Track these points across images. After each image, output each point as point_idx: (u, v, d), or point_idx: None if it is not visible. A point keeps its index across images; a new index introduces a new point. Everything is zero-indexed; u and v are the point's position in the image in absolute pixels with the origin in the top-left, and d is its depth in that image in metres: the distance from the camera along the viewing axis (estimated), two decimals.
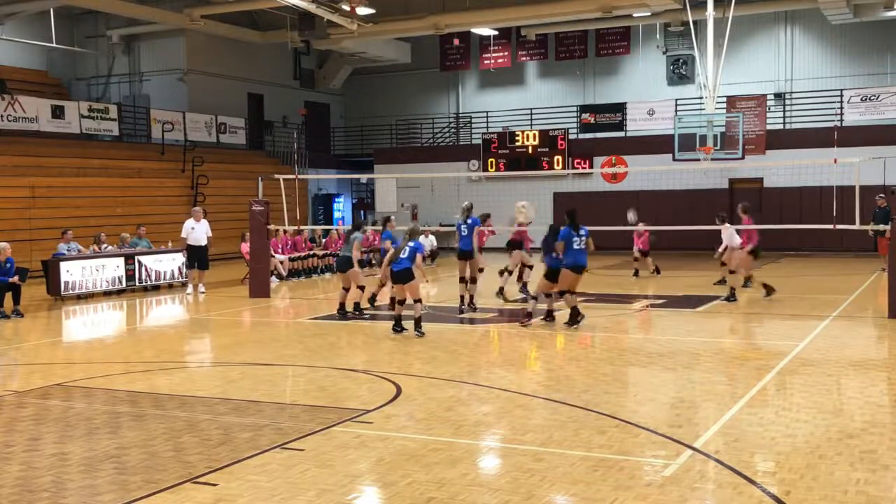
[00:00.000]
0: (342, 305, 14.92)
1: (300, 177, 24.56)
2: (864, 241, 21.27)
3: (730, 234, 16.94)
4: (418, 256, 12.67)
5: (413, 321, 12.66)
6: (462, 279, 15.31)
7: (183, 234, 19.27)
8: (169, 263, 20.36)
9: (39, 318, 16.14)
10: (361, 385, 9.64)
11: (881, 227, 16.91)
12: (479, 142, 32.42)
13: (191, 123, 30.25)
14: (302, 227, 23.10)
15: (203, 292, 19.04)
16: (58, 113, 26.26)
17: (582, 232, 13.15)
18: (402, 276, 12.68)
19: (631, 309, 15.63)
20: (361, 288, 15.12)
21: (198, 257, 19.18)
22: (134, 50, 32.35)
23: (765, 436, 7.38)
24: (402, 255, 12.64)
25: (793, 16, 30.66)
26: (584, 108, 32.05)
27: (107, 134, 28.16)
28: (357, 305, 15.04)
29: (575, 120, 32.06)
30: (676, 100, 30.16)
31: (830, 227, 16.45)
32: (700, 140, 22.03)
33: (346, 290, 15.03)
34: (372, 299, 15.95)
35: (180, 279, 20.30)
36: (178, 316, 17.02)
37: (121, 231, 21.59)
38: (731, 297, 15.87)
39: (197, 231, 19.12)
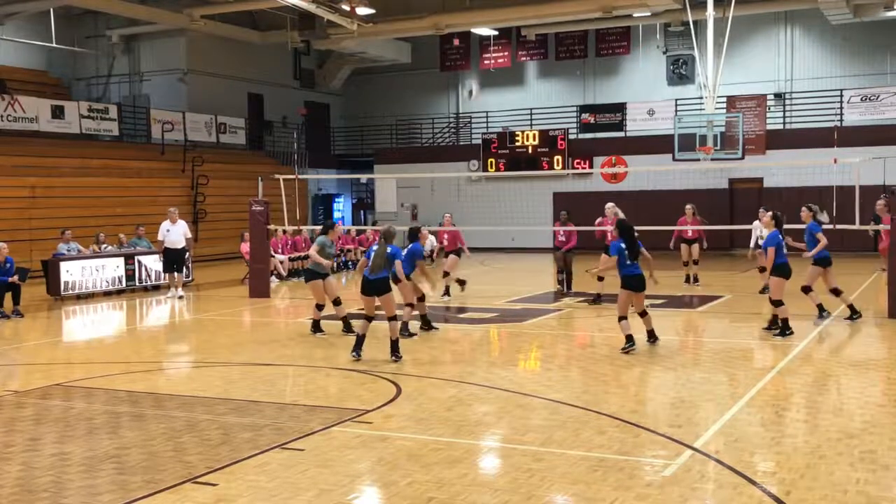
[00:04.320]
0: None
1: (300, 177, 24.56)
2: (865, 241, 21.23)
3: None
4: (397, 264, 10.86)
5: (390, 342, 10.87)
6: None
7: (159, 237, 18.56)
8: None
9: (39, 318, 16.14)
10: (361, 385, 9.64)
11: (880, 227, 16.90)
12: (479, 142, 32.42)
13: (191, 123, 30.24)
14: (301, 228, 23.10)
15: (181, 297, 18.38)
16: (58, 113, 26.25)
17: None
18: (377, 286, 10.70)
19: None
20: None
21: (174, 260, 18.46)
22: (134, 50, 32.35)
23: (765, 436, 7.38)
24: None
25: (793, 16, 30.64)
26: (584, 108, 32.03)
27: (107, 134, 28.16)
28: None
29: (575, 120, 32.04)
30: (676, 100, 30.15)
31: (830, 226, 16.44)
32: (700, 140, 22.01)
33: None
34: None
35: None
36: (178, 316, 17.01)
37: (121, 231, 21.61)
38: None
39: (172, 233, 18.35)
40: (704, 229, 18.91)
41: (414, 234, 13.17)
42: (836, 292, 13.50)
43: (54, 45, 28.61)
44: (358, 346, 10.91)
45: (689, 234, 18.51)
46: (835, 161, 16.66)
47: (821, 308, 13.49)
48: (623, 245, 11.17)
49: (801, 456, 6.78)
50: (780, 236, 12.14)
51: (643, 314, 11.47)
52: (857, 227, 15.45)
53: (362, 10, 27.08)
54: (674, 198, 27.84)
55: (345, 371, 10.32)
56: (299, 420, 8.06)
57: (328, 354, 11.50)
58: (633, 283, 11.22)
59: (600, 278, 15.82)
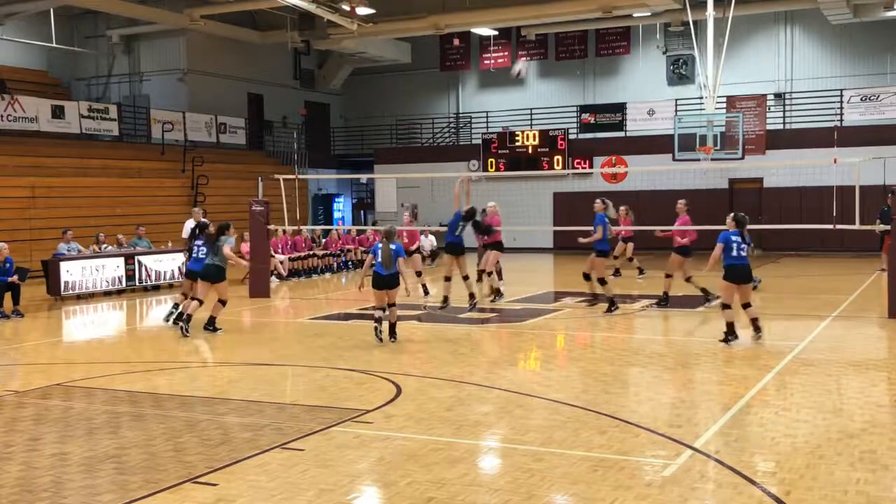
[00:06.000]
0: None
1: (300, 177, 24.55)
2: (865, 241, 21.24)
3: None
4: (401, 261, 12.21)
5: (388, 325, 12.23)
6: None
7: (184, 235, 19.39)
8: (169, 263, 20.37)
9: (39, 318, 16.14)
10: (361, 385, 9.64)
11: (882, 226, 16.92)
12: (479, 142, 32.41)
13: (191, 123, 30.23)
14: (302, 228, 23.10)
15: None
16: (58, 113, 26.25)
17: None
18: (389, 281, 12.09)
19: (631, 309, 15.63)
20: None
21: None
22: (134, 50, 32.34)
23: (765, 436, 7.38)
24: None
25: (793, 16, 30.63)
26: (584, 108, 32.01)
27: (107, 134, 28.15)
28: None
29: (575, 120, 32.04)
30: (676, 100, 30.13)
31: (830, 227, 16.45)
32: (700, 140, 22.04)
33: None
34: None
35: (180, 279, 20.28)
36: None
37: (120, 231, 21.62)
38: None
39: None
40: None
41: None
42: (596, 279, 15.08)
43: (54, 45, 28.61)
44: (379, 331, 12.07)
45: (623, 233, 19.90)
46: (835, 161, 16.65)
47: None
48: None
49: (801, 456, 6.78)
50: (736, 237, 11.37)
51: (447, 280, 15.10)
52: (857, 227, 15.43)
53: (362, 10, 27.06)
54: (674, 198, 27.76)
55: (345, 371, 10.32)
56: (299, 420, 8.07)
57: (328, 354, 11.50)
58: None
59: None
